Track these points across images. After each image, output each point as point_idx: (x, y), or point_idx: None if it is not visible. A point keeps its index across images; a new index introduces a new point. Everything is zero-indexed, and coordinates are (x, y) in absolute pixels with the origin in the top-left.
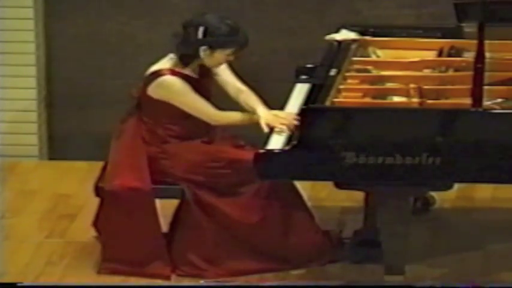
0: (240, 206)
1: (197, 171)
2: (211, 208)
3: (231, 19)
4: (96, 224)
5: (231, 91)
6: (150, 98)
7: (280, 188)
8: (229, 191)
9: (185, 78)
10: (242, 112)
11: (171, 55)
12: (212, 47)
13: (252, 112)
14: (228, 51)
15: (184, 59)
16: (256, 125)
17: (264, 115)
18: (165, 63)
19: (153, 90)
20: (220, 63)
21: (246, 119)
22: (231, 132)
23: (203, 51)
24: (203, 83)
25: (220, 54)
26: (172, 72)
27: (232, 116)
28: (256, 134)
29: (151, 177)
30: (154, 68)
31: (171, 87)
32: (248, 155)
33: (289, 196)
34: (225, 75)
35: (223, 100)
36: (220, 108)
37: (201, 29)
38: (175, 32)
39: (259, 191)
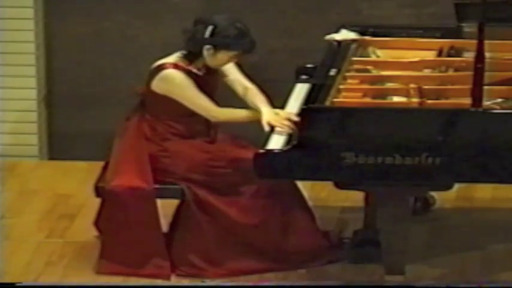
0: (239, 206)
1: (198, 170)
2: (211, 208)
3: (242, 22)
4: (97, 223)
5: (238, 89)
6: (153, 94)
7: (280, 187)
8: (230, 191)
9: (188, 73)
10: (243, 109)
11: (180, 52)
12: (216, 48)
13: (254, 110)
14: (232, 53)
15: (188, 56)
16: (257, 123)
17: (267, 114)
18: (170, 58)
19: (156, 84)
20: (223, 64)
21: (246, 116)
22: (231, 132)
23: (207, 50)
24: (207, 80)
25: (223, 56)
26: (175, 66)
27: (232, 113)
28: (256, 134)
29: (153, 176)
30: (159, 62)
31: (173, 80)
32: (249, 154)
33: (290, 196)
34: (233, 73)
35: (229, 99)
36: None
37: (209, 28)
38: (185, 28)
39: (259, 191)
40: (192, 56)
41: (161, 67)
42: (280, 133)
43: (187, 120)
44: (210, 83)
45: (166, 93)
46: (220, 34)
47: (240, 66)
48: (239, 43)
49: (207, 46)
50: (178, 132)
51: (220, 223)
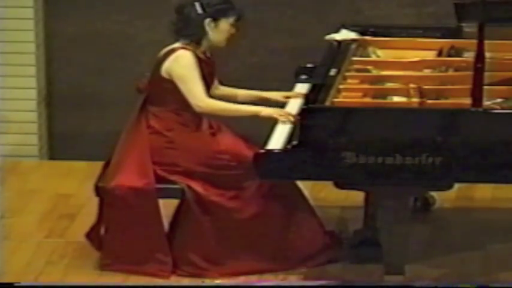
0: (241, 200)
1: (203, 162)
2: (212, 206)
3: None
4: (89, 234)
5: (229, 94)
6: (160, 81)
7: (282, 186)
8: (232, 185)
9: (195, 56)
10: (233, 104)
11: (181, 42)
12: (215, 18)
13: (244, 106)
14: (231, 19)
15: (194, 38)
16: (246, 118)
17: (267, 109)
18: (175, 45)
19: (167, 66)
20: (225, 38)
21: (235, 110)
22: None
23: (208, 24)
24: (208, 66)
25: (224, 25)
26: (186, 49)
27: (220, 106)
28: (256, 134)
29: (155, 171)
30: (167, 48)
31: (183, 59)
32: (251, 153)
33: (291, 194)
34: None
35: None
36: None
37: (197, 5)
38: (173, 21)
39: (261, 187)
40: (195, 37)
41: (172, 50)
42: (283, 123)
43: (194, 110)
44: (209, 69)
45: (172, 74)
46: (210, 5)
47: (240, 66)
48: (231, 7)
49: (207, 20)
50: (185, 122)
51: (221, 220)
